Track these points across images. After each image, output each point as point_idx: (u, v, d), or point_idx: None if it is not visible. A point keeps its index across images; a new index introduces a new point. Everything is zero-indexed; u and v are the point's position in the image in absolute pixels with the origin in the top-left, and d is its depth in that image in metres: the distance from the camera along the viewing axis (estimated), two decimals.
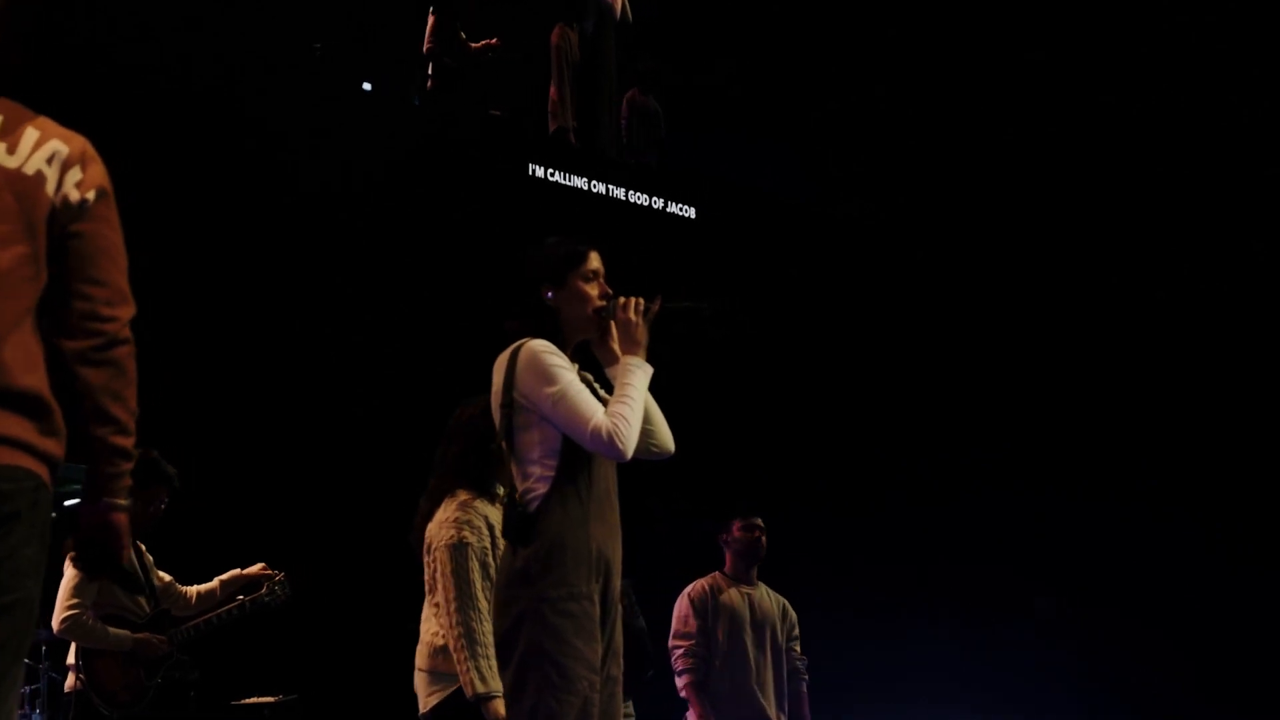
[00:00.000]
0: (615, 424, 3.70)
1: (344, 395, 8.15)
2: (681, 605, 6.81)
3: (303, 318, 8.22)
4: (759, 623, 6.80)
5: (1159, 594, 9.67)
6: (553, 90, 9.79)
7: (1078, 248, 10.95)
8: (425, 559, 4.75)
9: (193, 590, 6.17)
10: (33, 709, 6.02)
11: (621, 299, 3.93)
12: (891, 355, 10.49)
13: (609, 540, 3.81)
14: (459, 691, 4.52)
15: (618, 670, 3.83)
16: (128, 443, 2.53)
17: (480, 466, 4.76)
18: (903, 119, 11.20)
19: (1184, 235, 10.69)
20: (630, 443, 3.72)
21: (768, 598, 6.94)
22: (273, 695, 6.62)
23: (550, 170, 9.12)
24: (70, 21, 8.06)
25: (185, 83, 8.20)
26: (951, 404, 10.45)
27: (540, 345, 3.80)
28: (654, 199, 9.60)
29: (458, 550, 4.57)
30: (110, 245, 2.57)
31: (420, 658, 4.72)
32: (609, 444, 3.68)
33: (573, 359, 3.88)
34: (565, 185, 9.16)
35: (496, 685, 4.40)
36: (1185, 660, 9.55)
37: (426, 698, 4.66)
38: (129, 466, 2.54)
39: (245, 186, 8.22)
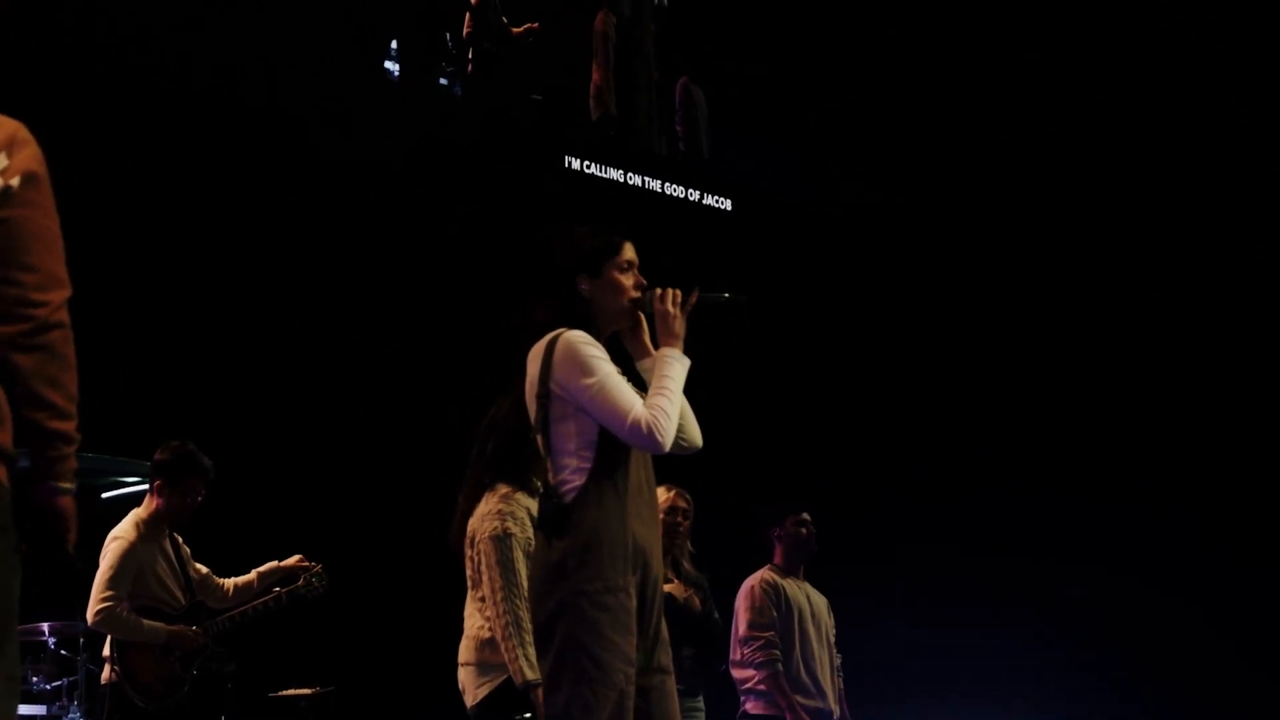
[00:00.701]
0: (654, 416, 3.65)
1: (379, 386, 8.14)
2: (755, 596, 6.73)
3: (318, 310, 8.21)
4: (816, 617, 6.78)
5: (1159, 594, 9.67)
6: (596, 76, 9.75)
7: (1077, 248, 10.98)
8: (468, 553, 4.77)
9: (230, 582, 6.19)
10: (70, 701, 6.03)
11: (658, 290, 3.87)
12: (891, 355, 10.50)
13: (646, 532, 3.77)
14: (507, 682, 4.54)
15: (667, 659, 3.80)
16: (66, 426, 2.50)
17: (517, 460, 4.78)
18: (903, 119, 11.21)
19: (1184, 235, 10.73)
20: (669, 435, 3.68)
21: (815, 593, 6.92)
22: (310, 688, 6.62)
23: (586, 163, 9.10)
24: (63, 17, 8.09)
25: (191, 78, 8.19)
26: (951, 404, 10.46)
27: (578, 336, 3.75)
28: (690, 191, 9.56)
29: (501, 541, 4.60)
30: (41, 230, 2.52)
31: (466, 652, 4.72)
32: (648, 436, 3.64)
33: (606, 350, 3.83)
34: (601, 177, 9.13)
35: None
36: (1186, 661, 9.52)
37: (475, 690, 4.66)
38: (70, 450, 2.51)
39: (257, 178, 8.21)
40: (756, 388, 9.74)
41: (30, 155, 2.54)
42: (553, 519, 3.68)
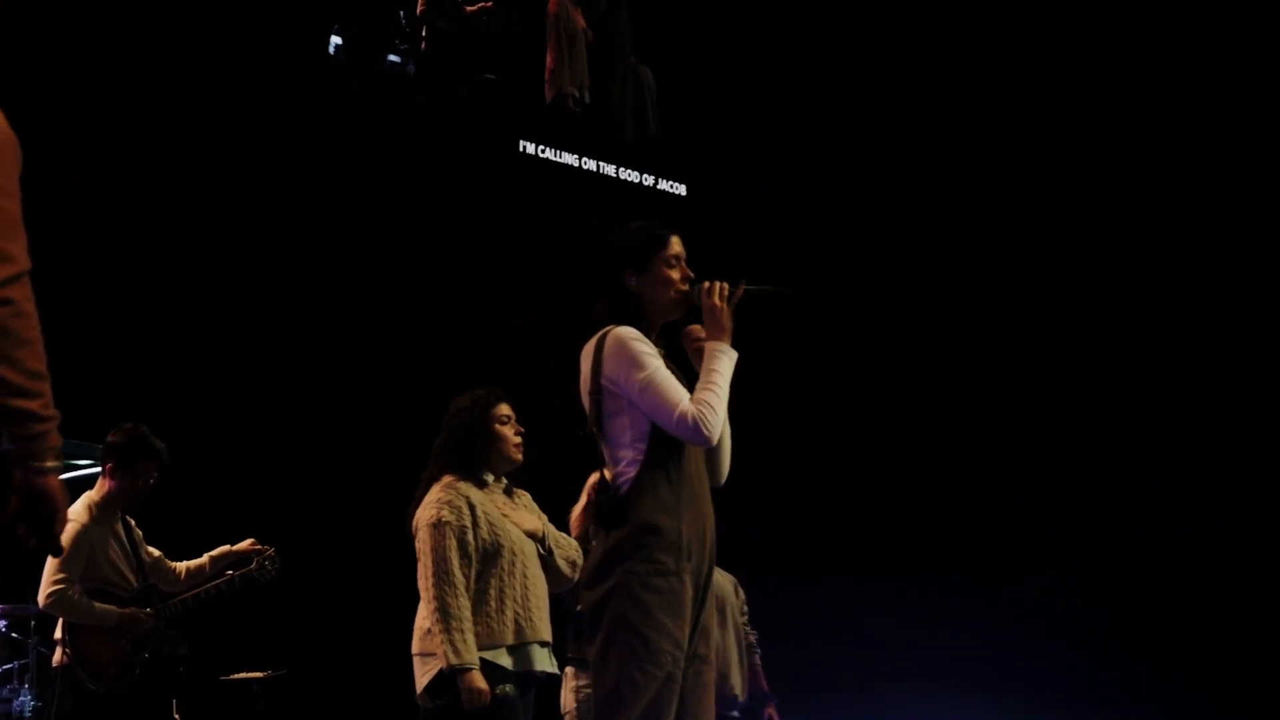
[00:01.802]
0: (701, 411, 3.69)
1: (334, 381, 8.15)
2: None
3: (270, 293, 8.21)
4: (720, 597, 6.80)
5: (1159, 593, 9.67)
6: (549, 59, 9.78)
7: (1078, 247, 10.92)
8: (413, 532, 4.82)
9: (182, 566, 6.18)
10: (21, 684, 6.02)
11: (705, 283, 3.89)
12: (892, 356, 10.50)
13: (701, 523, 3.80)
14: (441, 674, 4.55)
15: (706, 650, 3.82)
16: (31, 404, 2.41)
17: (467, 453, 4.85)
18: (903, 118, 11.17)
19: (1184, 235, 10.66)
20: (716, 429, 3.71)
21: (721, 577, 6.93)
22: (261, 671, 6.64)
23: (541, 147, 9.09)
24: (63, 17, 8.05)
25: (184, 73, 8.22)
26: (952, 404, 10.45)
27: (627, 332, 3.79)
28: (644, 176, 9.57)
29: (435, 529, 4.65)
30: None
31: (414, 643, 4.74)
32: (694, 430, 3.68)
33: (656, 344, 3.86)
34: (556, 162, 9.14)
35: (471, 658, 4.50)
36: (1186, 660, 9.52)
37: (420, 678, 4.68)
38: (43, 428, 2.43)
39: (221, 170, 8.21)
40: (756, 388, 9.75)
41: None
42: (610, 511, 3.74)
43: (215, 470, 7.32)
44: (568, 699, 5.77)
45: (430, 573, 4.60)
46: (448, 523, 4.65)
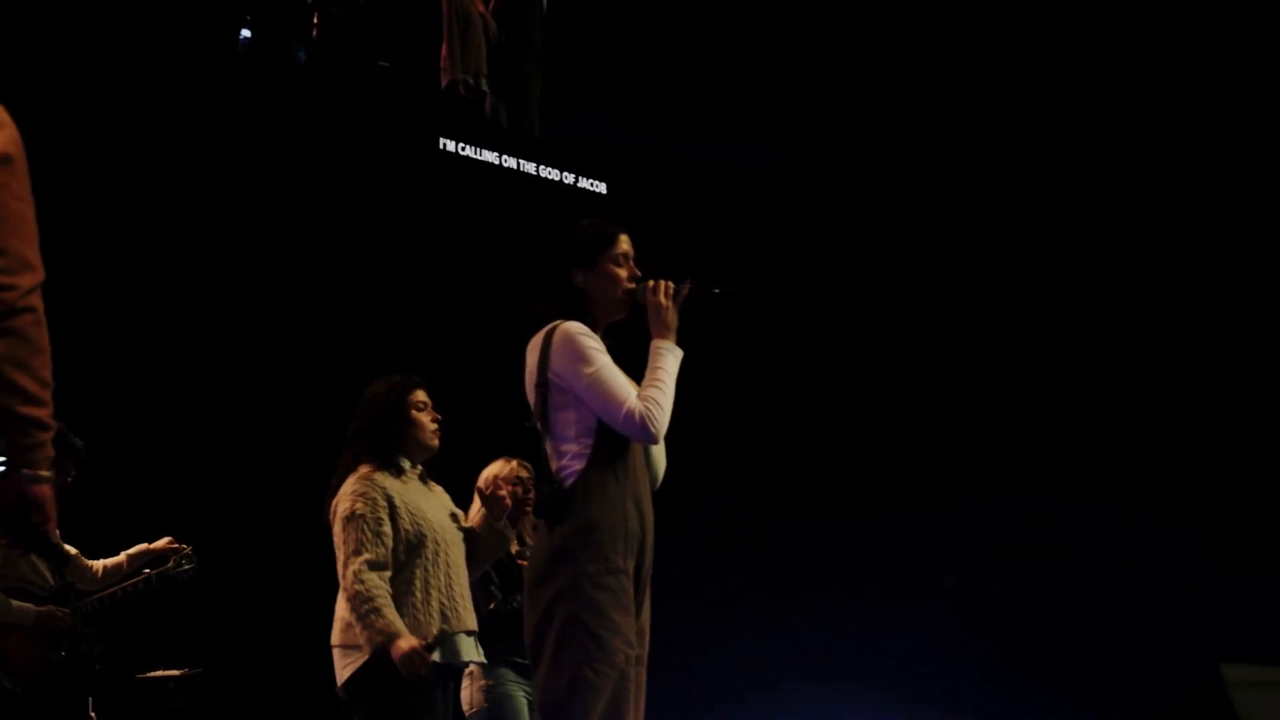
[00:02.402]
0: (648, 408, 3.72)
1: (247, 367, 8.06)
2: None
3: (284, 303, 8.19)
4: None
5: (1159, 591, 9.64)
6: (444, 47, 9.68)
7: (1078, 247, 10.93)
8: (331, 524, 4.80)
9: (99, 564, 6.14)
10: None
11: (651, 281, 3.94)
12: (891, 356, 10.52)
13: (644, 518, 3.83)
14: (369, 662, 4.53)
15: (642, 649, 3.83)
16: (39, 413, 2.44)
17: (384, 441, 4.83)
18: (902, 118, 11.21)
19: (1184, 234, 10.68)
20: (662, 427, 3.75)
21: None
22: (178, 669, 6.56)
23: (461, 144, 9.06)
24: (63, 17, 8.04)
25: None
26: (952, 404, 10.46)
27: (575, 327, 3.83)
28: (565, 174, 9.59)
29: (350, 522, 4.63)
30: (10, 213, 2.44)
31: (334, 634, 4.72)
32: (641, 427, 3.71)
33: (603, 341, 3.89)
34: (476, 160, 9.12)
35: (398, 626, 4.47)
36: (1187, 658, 9.36)
37: (340, 671, 4.65)
38: (45, 437, 2.45)
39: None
40: (752, 388, 9.81)
41: (6, 138, 2.48)
42: (554, 505, 3.74)
43: (125, 465, 7.25)
44: (476, 698, 5.62)
45: (347, 565, 4.59)
46: (362, 515, 4.62)
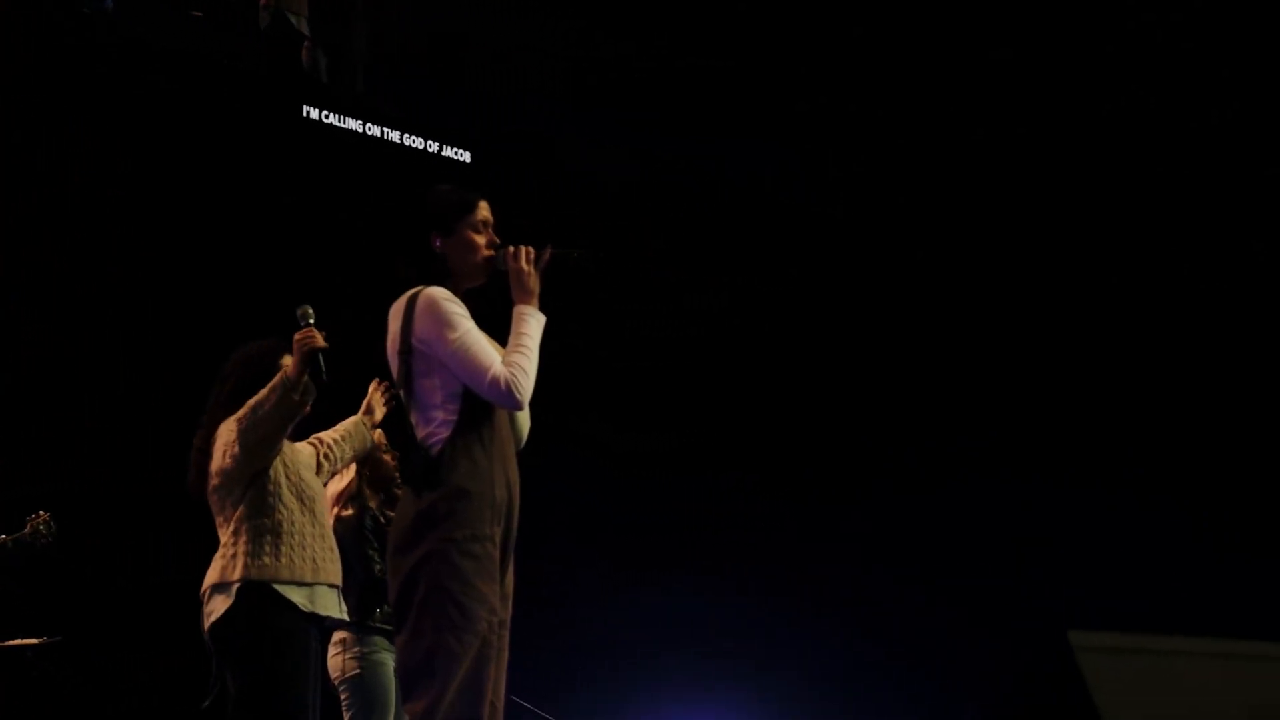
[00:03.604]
0: (513, 374, 3.74)
1: (112, 336, 7.96)
2: None
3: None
4: None
5: (1156, 587, 9.53)
6: None
7: (1068, 238, 10.80)
8: (208, 492, 4.84)
9: None
10: None
11: (511, 248, 3.96)
12: (880, 345, 10.51)
13: (510, 484, 3.83)
14: (235, 605, 4.60)
15: (508, 614, 3.84)
16: None
17: None
18: (902, 118, 11.10)
19: (1174, 225, 10.54)
20: (526, 393, 3.76)
21: None
22: (36, 637, 6.48)
23: (325, 112, 8.95)
24: (63, 17, 8.17)
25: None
26: (940, 392, 10.40)
27: (439, 292, 3.83)
28: (429, 143, 9.46)
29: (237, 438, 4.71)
30: None
31: (210, 576, 4.77)
32: (506, 393, 3.73)
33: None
34: (339, 128, 9.00)
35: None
36: (1035, 626, 9.37)
37: (208, 615, 4.71)
38: None
39: None
40: (746, 382, 9.90)
41: None
42: (420, 472, 3.73)
43: None
44: (349, 665, 5.63)
45: (234, 506, 4.71)
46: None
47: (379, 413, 5.35)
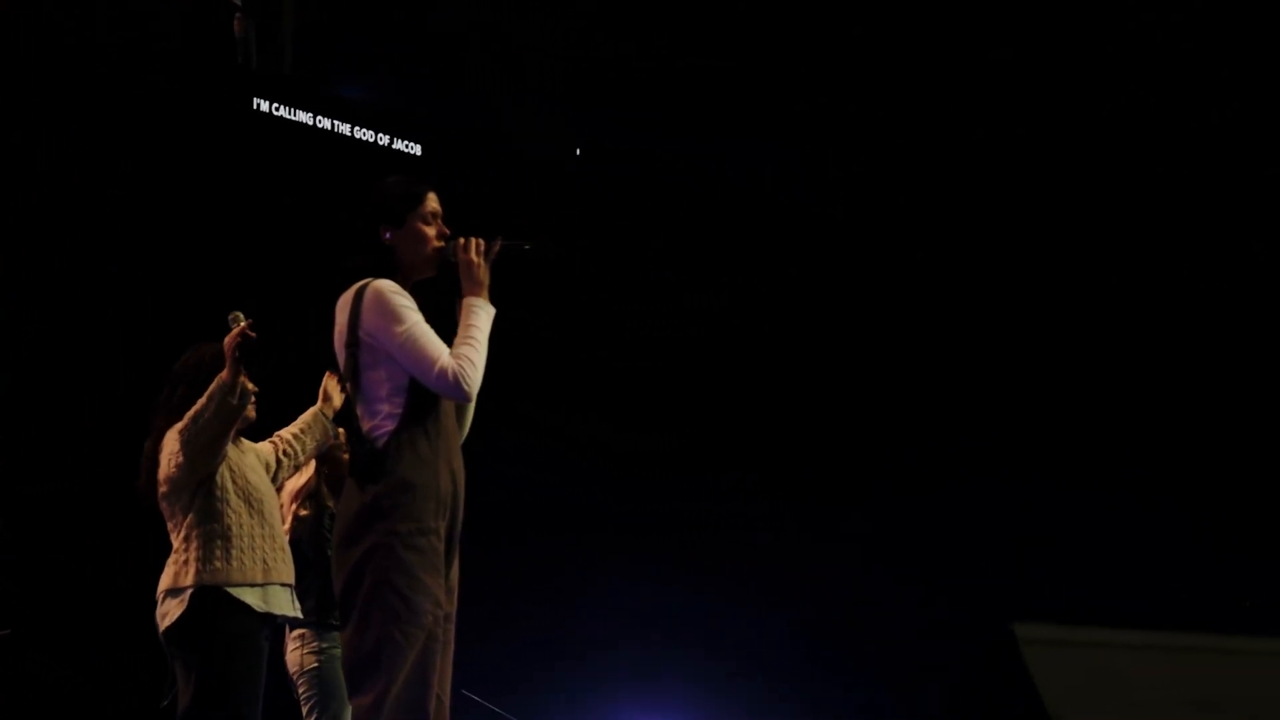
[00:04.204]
0: (461, 366, 3.72)
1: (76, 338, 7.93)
2: None
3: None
4: None
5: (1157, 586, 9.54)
6: None
7: (1068, 238, 10.82)
8: (158, 499, 4.88)
9: None
10: None
11: (461, 239, 3.95)
12: (880, 345, 10.52)
13: (456, 477, 3.82)
14: (188, 610, 4.65)
15: (452, 607, 3.84)
16: None
17: None
18: (902, 118, 11.10)
19: (1174, 225, 10.57)
20: (475, 385, 3.75)
21: None
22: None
23: (275, 105, 8.93)
24: (63, 17, 8.14)
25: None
26: (940, 392, 10.42)
27: (387, 285, 3.82)
28: (380, 135, 9.43)
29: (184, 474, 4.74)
30: None
31: (163, 581, 4.82)
32: (455, 386, 3.72)
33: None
34: (290, 120, 8.97)
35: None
36: (981, 618, 9.39)
37: (162, 618, 4.75)
38: None
39: None
40: (749, 381, 9.92)
41: None
42: (365, 464, 3.72)
43: None
44: (307, 660, 5.68)
45: (184, 512, 4.74)
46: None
47: (337, 399, 5.38)
